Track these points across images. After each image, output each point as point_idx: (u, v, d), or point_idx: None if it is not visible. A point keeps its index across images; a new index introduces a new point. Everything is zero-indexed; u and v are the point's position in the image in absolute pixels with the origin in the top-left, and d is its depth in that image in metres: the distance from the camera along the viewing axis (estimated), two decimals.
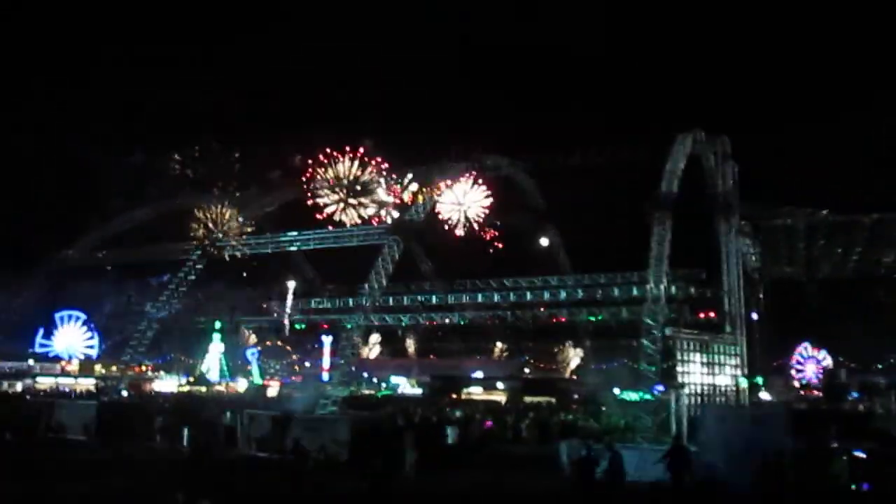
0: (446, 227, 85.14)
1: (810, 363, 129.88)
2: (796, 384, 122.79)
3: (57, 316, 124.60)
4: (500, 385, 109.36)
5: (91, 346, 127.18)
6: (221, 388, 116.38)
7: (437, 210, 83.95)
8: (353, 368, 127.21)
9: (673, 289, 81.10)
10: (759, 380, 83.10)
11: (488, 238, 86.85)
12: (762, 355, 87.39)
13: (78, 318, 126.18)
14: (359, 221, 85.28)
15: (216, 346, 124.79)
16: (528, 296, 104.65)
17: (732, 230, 75.88)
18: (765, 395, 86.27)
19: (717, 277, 79.01)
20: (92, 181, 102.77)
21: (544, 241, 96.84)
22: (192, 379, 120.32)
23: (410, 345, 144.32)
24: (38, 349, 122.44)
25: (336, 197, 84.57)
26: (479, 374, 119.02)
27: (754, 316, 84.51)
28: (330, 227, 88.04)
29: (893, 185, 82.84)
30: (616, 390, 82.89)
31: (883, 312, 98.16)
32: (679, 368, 63.82)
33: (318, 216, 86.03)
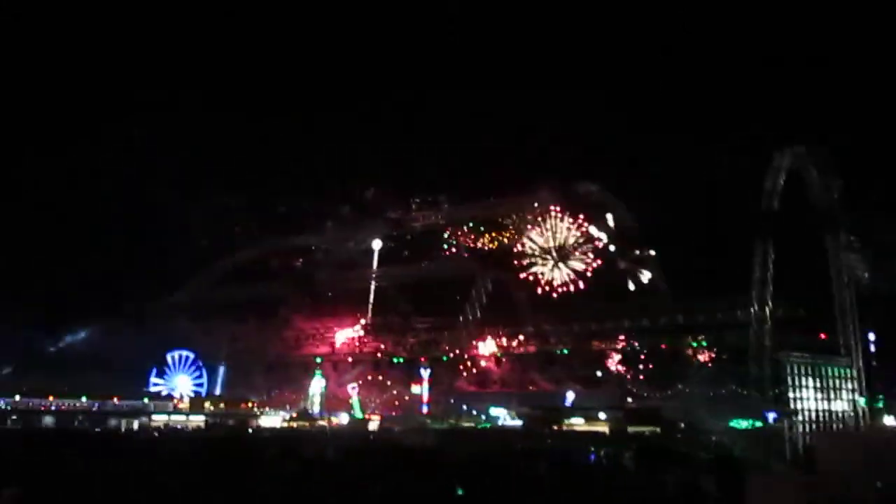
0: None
1: None
2: None
3: (169, 356, 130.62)
4: (601, 415, 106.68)
5: (200, 385, 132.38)
6: (324, 422, 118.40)
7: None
8: (452, 401, 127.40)
9: (780, 311, 77.65)
10: (881, 403, 78.18)
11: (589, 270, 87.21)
12: (883, 377, 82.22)
13: (188, 359, 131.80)
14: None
15: (318, 382, 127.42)
16: (626, 323, 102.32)
17: (841, 246, 72.40)
18: (889, 420, 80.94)
19: (828, 297, 75.28)
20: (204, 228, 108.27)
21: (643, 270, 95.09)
22: (295, 414, 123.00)
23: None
24: (151, 388, 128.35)
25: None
26: (571, 400, 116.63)
27: (871, 336, 79.82)
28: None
29: None
30: (726, 418, 79.59)
31: None
32: (791, 394, 60.91)
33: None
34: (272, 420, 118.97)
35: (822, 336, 78.80)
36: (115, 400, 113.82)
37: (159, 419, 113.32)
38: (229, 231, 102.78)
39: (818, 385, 64.40)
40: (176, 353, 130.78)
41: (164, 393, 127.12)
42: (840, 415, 66.05)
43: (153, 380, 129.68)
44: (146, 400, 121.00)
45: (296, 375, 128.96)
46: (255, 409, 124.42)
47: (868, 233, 76.06)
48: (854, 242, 75.38)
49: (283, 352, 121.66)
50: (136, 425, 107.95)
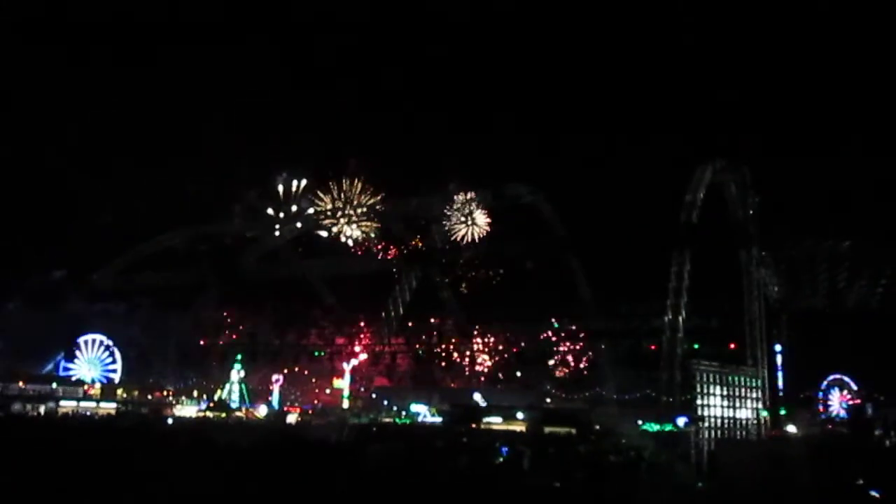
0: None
1: (837, 396, 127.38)
2: (824, 416, 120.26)
3: (80, 340, 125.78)
4: (519, 415, 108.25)
5: (113, 371, 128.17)
6: (241, 414, 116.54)
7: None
8: (374, 396, 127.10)
9: (693, 320, 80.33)
10: (783, 412, 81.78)
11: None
12: (788, 387, 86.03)
13: (101, 343, 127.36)
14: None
15: (237, 373, 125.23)
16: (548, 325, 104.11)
17: (753, 260, 75.28)
18: (791, 428, 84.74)
19: (739, 309, 78.25)
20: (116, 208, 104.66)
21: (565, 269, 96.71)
22: (211, 405, 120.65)
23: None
24: (61, 373, 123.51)
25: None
26: (490, 399, 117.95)
27: (778, 347, 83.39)
28: None
29: None
30: (639, 421, 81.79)
31: None
32: (699, 401, 63.06)
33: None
34: (187, 410, 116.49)
35: (732, 346, 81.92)
36: (21, 384, 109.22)
37: (68, 405, 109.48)
38: (147, 212, 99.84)
39: (725, 393, 66.80)
40: (88, 337, 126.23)
41: (75, 378, 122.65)
42: (744, 422, 68.70)
43: (63, 364, 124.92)
44: (55, 385, 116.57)
45: (215, 365, 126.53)
46: (171, 398, 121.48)
47: (780, 248, 79.25)
48: (766, 258, 78.48)
49: (202, 340, 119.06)
50: (42, 410, 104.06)
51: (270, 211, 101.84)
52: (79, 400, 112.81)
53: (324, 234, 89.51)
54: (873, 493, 33.03)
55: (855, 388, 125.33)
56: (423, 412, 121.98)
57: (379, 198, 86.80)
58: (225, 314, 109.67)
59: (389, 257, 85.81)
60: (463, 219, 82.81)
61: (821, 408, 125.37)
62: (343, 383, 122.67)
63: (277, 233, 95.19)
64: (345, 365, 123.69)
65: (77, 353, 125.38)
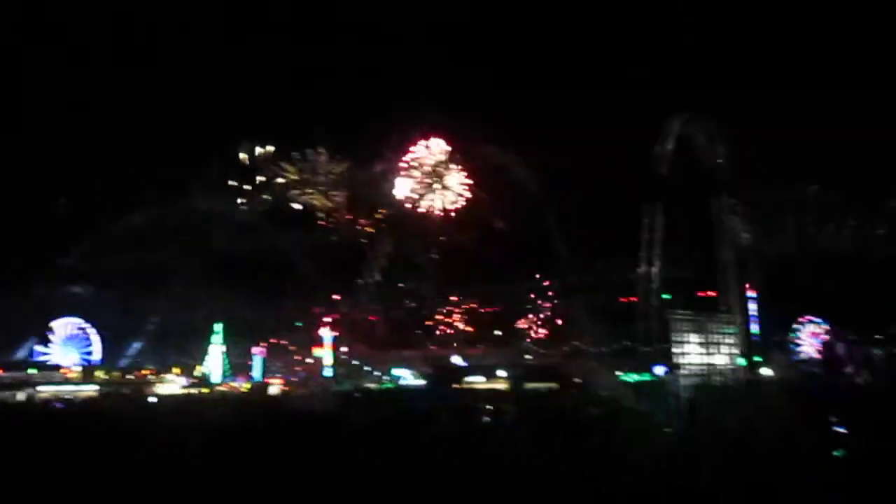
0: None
1: (809, 338, 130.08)
2: (797, 358, 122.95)
3: (54, 324, 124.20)
4: (501, 373, 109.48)
5: (89, 353, 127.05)
6: (223, 388, 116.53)
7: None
8: (355, 362, 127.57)
9: (667, 270, 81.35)
10: (758, 357, 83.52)
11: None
12: (762, 332, 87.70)
13: (76, 326, 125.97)
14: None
15: (217, 347, 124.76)
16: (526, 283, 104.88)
17: (724, 209, 76.16)
18: (766, 371, 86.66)
19: (711, 257, 79.37)
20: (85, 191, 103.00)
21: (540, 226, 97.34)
22: (194, 380, 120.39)
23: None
24: (35, 358, 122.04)
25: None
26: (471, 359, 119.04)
27: (751, 294, 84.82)
28: None
29: (884, 160, 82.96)
30: (617, 373, 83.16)
31: (879, 284, 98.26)
32: (676, 350, 64.21)
33: None
34: (170, 387, 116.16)
35: (706, 294, 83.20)
36: None
37: (46, 390, 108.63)
38: (117, 192, 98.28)
39: (701, 341, 68.03)
40: (62, 321, 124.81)
41: (50, 363, 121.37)
42: (721, 368, 70.15)
43: (37, 349, 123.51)
44: (31, 370, 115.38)
45: (195, 341, 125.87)
46: (152, 377, 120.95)
47: (749, 196, 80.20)
48: (737, 205, 79.41)
49: (180, 317, 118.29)
50: (22, 397, 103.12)
51: (235, 182, 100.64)
52: (58, 384, 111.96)
53: (294, 205, 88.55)
54: (840, 430, 34.05)
55: (826, 329, 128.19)
56: (405, 376, 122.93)
57: (345, 166, 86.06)
58: (200, 290, 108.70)
59: (360, 227, 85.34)
60: (434, 181, 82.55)
61: (794, 350, 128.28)
62: (324, 352, 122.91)
63: (244, 206, 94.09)
64: (323, 333, 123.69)
65: (51, 337, 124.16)
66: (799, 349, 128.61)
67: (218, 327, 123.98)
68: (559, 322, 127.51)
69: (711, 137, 76.14)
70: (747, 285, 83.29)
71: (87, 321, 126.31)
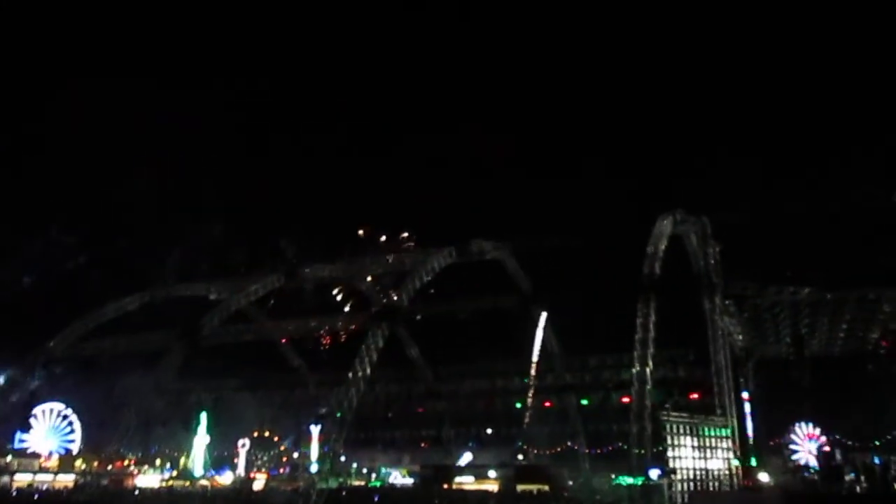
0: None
1: (806, 443, 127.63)
2: (793, 464, 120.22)
3: (36, 410, 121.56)
4: (492, 473, 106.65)
5: (70, 441, 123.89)
6: (206, 482, 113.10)
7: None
8: (344, 458, 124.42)
9: (661, 371, 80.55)
10: (754, 461, 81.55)
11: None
12: (757, 435, 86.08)
13: (58, 413, 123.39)
14: None
15: (201, 439, 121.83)
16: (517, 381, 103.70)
17: (717, 309, 75.92)
18: (763, 476, 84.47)
19: (705, 358, 78.61)
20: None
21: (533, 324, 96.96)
22: (175, 473, 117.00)
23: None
24: (16, 445, 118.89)
25: None
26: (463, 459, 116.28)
27: (745, 395, 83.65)
28: None
29: (874, 261, 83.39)
30: (612, 475, 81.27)
31: (875, 388, 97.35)
32: (670, 453, 62.75)
33: None
34: (150, 479, 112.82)
35: (700, 396, 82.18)
36: None
37: (23, 478, 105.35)
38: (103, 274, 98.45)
39: (696, 444, 66.58)
40: (45, 406, 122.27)
41: (31, 451, 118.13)
42: (716, 473, 68.34)
43: (18, 436, 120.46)
44: (9, 458, 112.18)
45: (179, 431, 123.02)
46: (132, 468, 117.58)
47: (742, 297, 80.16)
48: (729, 306, 79.30)
49: (164, 406, 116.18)
50: None
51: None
52: (35, 472, 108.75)
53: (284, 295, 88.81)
54: None
55: (823, 434, 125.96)
56: (394, 473, 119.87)
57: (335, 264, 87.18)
58: (187, 378, 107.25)
59: (353, 318, 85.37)
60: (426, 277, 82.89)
61: (791, 454, 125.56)
62: (311, 446, 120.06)
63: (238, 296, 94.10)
64: (312, 427, 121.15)
65: (33, 423, 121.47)
66: (795, 454, 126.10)
67: (202, 417, 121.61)
68: (552, 421, 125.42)
69: (704, 237, 76.84)
70: (742, 387, 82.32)
71: (70, 406, 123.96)
